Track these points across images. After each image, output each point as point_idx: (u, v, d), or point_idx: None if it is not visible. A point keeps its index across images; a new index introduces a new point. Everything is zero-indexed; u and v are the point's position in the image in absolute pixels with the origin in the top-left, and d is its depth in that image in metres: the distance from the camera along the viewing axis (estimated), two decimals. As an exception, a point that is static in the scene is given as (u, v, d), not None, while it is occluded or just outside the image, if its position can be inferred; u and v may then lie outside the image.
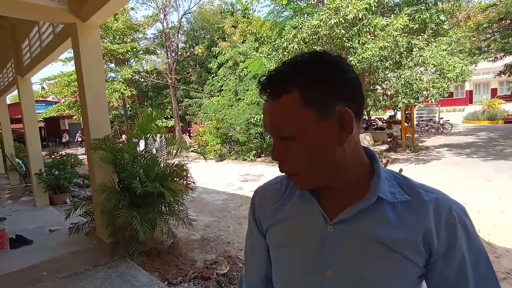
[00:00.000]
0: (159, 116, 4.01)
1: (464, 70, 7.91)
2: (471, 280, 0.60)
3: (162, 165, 3.98)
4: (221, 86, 15.13)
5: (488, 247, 3.57)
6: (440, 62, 7.67)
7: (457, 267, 0.60)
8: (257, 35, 15.56)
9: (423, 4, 8.74)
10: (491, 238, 3.90)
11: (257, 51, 13.60)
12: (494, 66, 14.57)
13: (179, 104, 20.24)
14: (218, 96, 14.65)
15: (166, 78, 19.52)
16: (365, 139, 10.01)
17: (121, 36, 18.14)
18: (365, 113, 12.03)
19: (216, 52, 16.07)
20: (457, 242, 0.60)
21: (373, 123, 17.27)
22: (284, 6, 9.69)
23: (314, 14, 7.98)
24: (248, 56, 13.83)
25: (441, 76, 7.80)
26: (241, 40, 14.91)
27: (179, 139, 5.87)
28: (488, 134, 13.75)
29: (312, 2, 9.50)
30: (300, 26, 8.07)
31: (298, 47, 8.04)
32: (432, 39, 8.45)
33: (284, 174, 0.66)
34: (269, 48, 10.05)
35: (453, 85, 26.65)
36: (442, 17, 8.53)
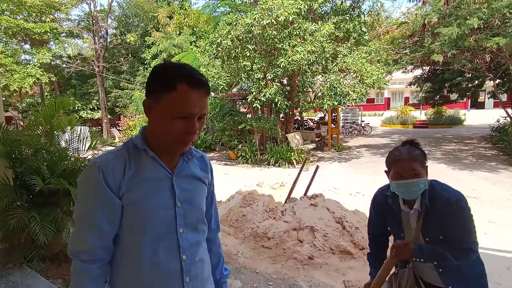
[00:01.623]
0: (67, 105, 3.62)
1: (380, 77, 8.84)
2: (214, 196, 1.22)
3: (72, 159, 3.60)
4: (155, 78, 14.42)
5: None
6: (360, 68, 8.45)
7: (212, 189, 1.18)
8: (195, 29, 15.19)
9: (348, 15, 9.52)
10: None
11: (193, 45, 13.27)
12: (407, 77, 16.58)
13: (108, 95, 18.70)
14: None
15: (93, 66, 17.83)
16: (295, 138, 10.52)
17: (38, 14, 15.99)
18: (297, 113, 12.65)
19: (150, 42, 15.23)
20: (213, 176, 1.17)
21: (305, 123, 18.27)
22: (220, 1, 9.63)
23: (248, 13, 8.08)
24: (184, 49, 13.42)
25: (361, 81, 8.60)
26: (177, 32, 14.37)
27: (100, 132, 5.40)
28: (400, 136, 15.63)
29: (248, 1, 9.62)
30: (235, 23, 8.11)
31: (232, 44, 8.06)
32: (355, 48, 9.26)
33: (118, 148, 1.00)
34: (206, 43, 9.90)
35: (374, 92, 29.73)
36: (364, 29, 9.41)
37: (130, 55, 19.59)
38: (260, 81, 8.51)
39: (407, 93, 33.06)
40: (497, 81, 11.00)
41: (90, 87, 19.86)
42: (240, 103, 14.35)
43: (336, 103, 9.16)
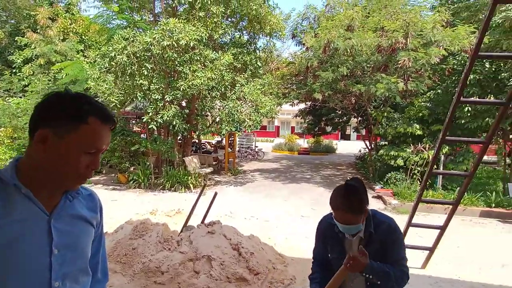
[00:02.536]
0: None
1: (272, 108, 9.74)
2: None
3: None
4: (26, 86, 12.04)
5: (279, 258, 4.30)
6: (255, 99, 9.13)
7: (100, 231, 1.06)
8: (83, 37, 13.61)
9: (246, 49, 10.29)
10: (283, 249, 4.74)
11: (81, 54, 11.81)
12: (294, 109, 18.75)
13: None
14: (19, 97, 11.53)
15: None
16: (193, 161, 10.37)
17: None
18: (195, 136, 12.57)
19: (23, 44, 12.79)
20: (102, 216, 1.06)
21: (203, 147, 18.28)
22: (116, 13, 8.99)
23: (148, 31, 7.80)
24: (68, 57, 11.79)
25: (256, 110, 9.27)
26: (61, 37, 12.57)
27: None
28: (287, 162, 17.31)
29: (148, 19, 9.32)
30: (132, 39, 7.67)
31: (128, 60, 7.55)
32: (251, 79, 10.00)
33: None
34: (97, 54, 8.96)
35: (267, 120, 32.51)
36: (259, 63, 10.31)
37: (-10, 55, 15.90)
38: (158, 102, 8.17)
39: (294, 123, 37.30)
40: (359, 118, 13.58)
41: None
42: (134, 122, 13.34)
43: (233, 129, 9.55)
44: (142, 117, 8.68)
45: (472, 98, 6.96)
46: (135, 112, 12.31)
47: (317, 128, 18.47)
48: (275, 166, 15.30)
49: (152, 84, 8.10)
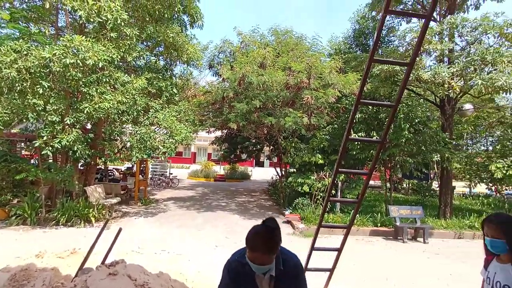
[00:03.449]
0: None
1: (188, 135, 9.63)
2: None
3: None
4: None
5: (188, 292, 4.12)
6: (170, 125, 8.91)
7: None
8: (-44, 42, 11.28)
9: (161, 74, 10.10)
10: (195, 284, 4.56)
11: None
12: (211, 136, 18.86)
13: None
14: None
15: None
16: (96, 191, 9.29)
17: None
18: (100, 162, 11.39)
19: None
20: None
21: (110, 174, 16.63)
22: (6, 21, 7.80)
23: (47, 46, 6.98)
24: None
25: (170, 137, 9.02)
26: None
27: None
28: (203, 189, 17.06)
29: (48, 32, 8.35)
30: (26, 52, 6.73)
31: (18, 75, 6.55)
32: (166, 105, 9.78)
33: None
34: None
35: (183, 146, 31.80)
36: (175, 90, 10.20)
37: None
38: (56, 125, 7.21)
39: (210, 150, 37.30)
40: (271, 147, 14.49)
41: None
42: (23, 145, 11.38)
43: (145, 156, 9.03)
44: (34, 141, 7.49)
45: (359, 137, 8.27)
46: (24, 134, 10.54)
47: (233, 155, 18.90)
48: (191, 194, 14.89)
49: (49, 105, 7.15)
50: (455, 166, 9.85)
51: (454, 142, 9.97)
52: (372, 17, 13.20)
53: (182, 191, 15.51)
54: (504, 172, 8.73)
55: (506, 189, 10.72)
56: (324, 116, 9.56)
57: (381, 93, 9.07)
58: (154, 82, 9.44)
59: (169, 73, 10.87)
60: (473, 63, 7.92)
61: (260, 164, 40.32)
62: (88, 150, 8.08)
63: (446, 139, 9.17)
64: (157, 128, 9.52)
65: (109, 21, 7.52)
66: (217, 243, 6.91)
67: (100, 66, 7.25)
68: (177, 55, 10.14)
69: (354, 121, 9.12)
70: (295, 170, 11.47)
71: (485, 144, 16.37)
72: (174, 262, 5.44)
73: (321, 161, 9.77)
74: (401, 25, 13.55)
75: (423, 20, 3.06)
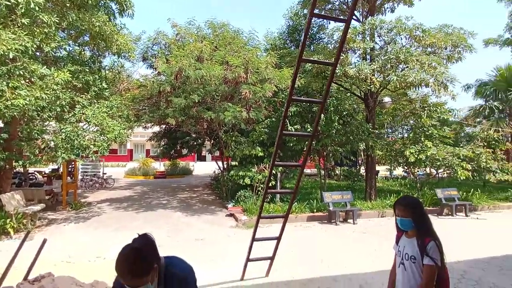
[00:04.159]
0: None
1: (122, 132, 9.04)
2: None
3: None
4: None
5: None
6: (101, 122, 8.25)
7: None
8: None
9: (88, 67, 9.24)
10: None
11: None
12: (148, 132, 17.94)
13: None
14: None
15: None
16: (14, 199, 8.21)
17: None
18: (17, 165, 10.05)
19: None
20: None
21: (31, 178, 14.82)
22: None
23: None
24: None
25: (102, 135, 8.37)
26: None
27: None
28: (142, 188, 16.25)
29: None
30: None
31: None
32: (95, 100, 9.01)
33: None
34: None
35: (117, 143, 29.71)
36: (104, 84, 9.44)
37: None
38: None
39: (148, 146, 35.52)
40: (212, 141, 14.43)
41: None
42: None
43: (73, 156, 8.24)
44: None
45: (294, 129, 8.76)
46: None
47: (173, 150, 18.32)
48: (128, 193, 14.08)
49: None
50: (378, 153, 11.04)
51: (376, 132, 11.14)
52: (304, 14, 13.86)
53: (118, 191, 14.57)
54: (416, 156, 10.08)
55: (418, 171, 12.41)
56: (262, 110, 9.84)
57: (313, 88, 9.68)
58: (80, 76, 8.60)
59: (97, 66, 9.99)
60: (389, 61, 8.92)
61: (202, 158, 39.78)
62: (1, 153, 7.07)
63: (370, 129, 10.21)
64: (86, 126, 8.74)
65: (20, 5, 6.61)
66: (159, 243, 6.70)
67: (11, 57, 6.36)
68: (106, 45, 9.35)
69: (290, 114, 9.61)
70: (236, 163, 11.64)
71: (401, 132, 18.64)
72: (111, 268, 5.15)
73: (261, 154, 10.07)
74: (329, 23, 14.50)
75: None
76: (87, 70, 9.00)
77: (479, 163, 10.18)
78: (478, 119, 19.12)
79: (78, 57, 9.49)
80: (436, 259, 2.10)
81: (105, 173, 17.00)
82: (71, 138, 7.84)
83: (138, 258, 1.40)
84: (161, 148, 18.14)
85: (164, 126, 16.17)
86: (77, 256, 5.79)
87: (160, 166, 24.40)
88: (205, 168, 24.99)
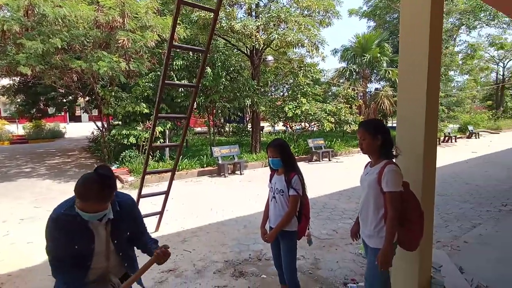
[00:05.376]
0: None
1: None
2: None
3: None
4: None
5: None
6: None
7: None
8: None
9: None
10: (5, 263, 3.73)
11: None
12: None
13: None
14: None
15: None
16: None
17: None
18: None
19: None
20: None
21: None
22: None
23: None
24: None
25: None
26: None
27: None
28: (-6, 155, 13.11)
29: None
30: None
31: None
32: None
33: None
34: None
35: None
36: None
37: None
38: None
39: (-2, 104, 28.27)
40: (88, 98, 12.55)
41: None
42: None
43: None
44: None
45: (175, 82, 8.44)
46: None
47: (34, 110, 15.13)
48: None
49: None
50: (262, 109, 11.86)
51: (262, 89, 11.85)
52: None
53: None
54: (293, 111, 11.33)
55: (295, 125, 14.07)
56: (145, 62, 8.97)
57: (200, 41, 9.34)
58: None
59: None
60: (272, 19, 9.32)
61: (76, 119, 34.48)
62: None
63: (255, 86, 10.76)
64: None
65: None
66: (23, 216, 5.72)
67: None
68: None
69: (177, 68, 9.13)
70: (119, 122, 10.58)
71: (282, 90, 20.42)
72: None
73: (146, 111, 9.40)
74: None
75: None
76: None
77: (340, 116, 12.24)
78: (342, 80, 22.55)
79: None
80: (299, 189, 2.51)
81: None
82: None
83: (105, 183, 1.48)
84: (17, 106, 14.74)
85: (18, 79, 13.04)
86: None
87: (17, 129, 19.99)
88: (81, 129, 21.84)
